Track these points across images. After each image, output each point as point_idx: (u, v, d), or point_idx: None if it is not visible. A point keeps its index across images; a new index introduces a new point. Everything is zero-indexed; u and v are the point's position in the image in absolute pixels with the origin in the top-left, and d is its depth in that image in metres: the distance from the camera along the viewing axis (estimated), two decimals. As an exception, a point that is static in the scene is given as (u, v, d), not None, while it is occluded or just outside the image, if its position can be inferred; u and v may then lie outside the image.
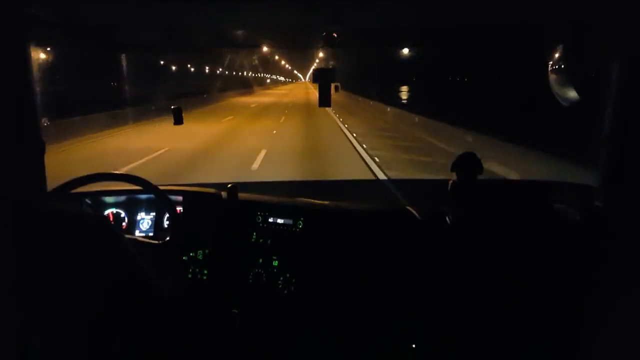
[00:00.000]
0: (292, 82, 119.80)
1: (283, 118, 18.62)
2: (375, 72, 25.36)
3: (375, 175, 7.45)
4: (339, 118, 17.39)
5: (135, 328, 0.82)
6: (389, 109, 18.05)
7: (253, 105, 26.86)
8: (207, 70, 42.83)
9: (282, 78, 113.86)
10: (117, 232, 0.90)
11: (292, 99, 33.44)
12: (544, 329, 1.59)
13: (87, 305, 0.72)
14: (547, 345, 1.56)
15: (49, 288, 0.69)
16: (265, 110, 23.86)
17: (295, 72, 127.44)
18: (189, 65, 36.41)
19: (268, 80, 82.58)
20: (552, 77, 1.55)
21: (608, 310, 1.47)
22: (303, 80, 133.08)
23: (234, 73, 55.20)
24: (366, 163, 8.58)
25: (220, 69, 47.00)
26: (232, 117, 18.86)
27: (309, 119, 18.42)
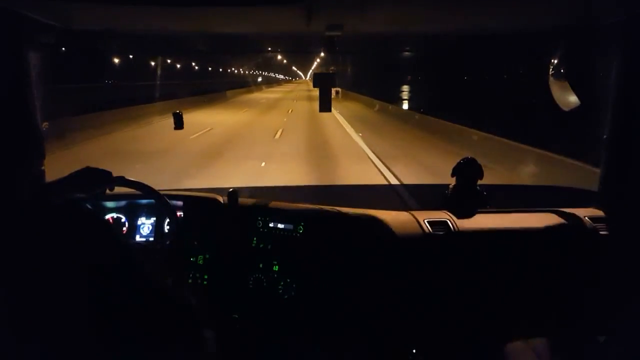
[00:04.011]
0: (291, 81, 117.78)
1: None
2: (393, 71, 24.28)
3: (387, 180, 7.22)
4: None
5: (146, 331, 0.81)
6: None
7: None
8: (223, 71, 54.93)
9: (281, 76, 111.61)
10: (122, 237, 0.89)
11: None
12: (545, 334, 1.59)
13: (95, 308, 0.72)
14: (547, 351, 1.57)
15: (52, 292, 0.69)
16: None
17: (295, 69, 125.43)
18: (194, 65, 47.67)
19: (259, 79, 77.27)
20: (553, 81, 1.55)
21: (610, 314, 1.48)
22: (304, 78, 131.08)
23: (229, 71, 58.62)
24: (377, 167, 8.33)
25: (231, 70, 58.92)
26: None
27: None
